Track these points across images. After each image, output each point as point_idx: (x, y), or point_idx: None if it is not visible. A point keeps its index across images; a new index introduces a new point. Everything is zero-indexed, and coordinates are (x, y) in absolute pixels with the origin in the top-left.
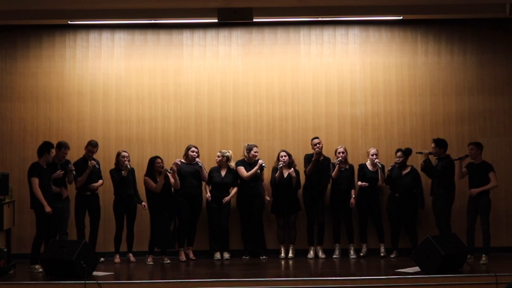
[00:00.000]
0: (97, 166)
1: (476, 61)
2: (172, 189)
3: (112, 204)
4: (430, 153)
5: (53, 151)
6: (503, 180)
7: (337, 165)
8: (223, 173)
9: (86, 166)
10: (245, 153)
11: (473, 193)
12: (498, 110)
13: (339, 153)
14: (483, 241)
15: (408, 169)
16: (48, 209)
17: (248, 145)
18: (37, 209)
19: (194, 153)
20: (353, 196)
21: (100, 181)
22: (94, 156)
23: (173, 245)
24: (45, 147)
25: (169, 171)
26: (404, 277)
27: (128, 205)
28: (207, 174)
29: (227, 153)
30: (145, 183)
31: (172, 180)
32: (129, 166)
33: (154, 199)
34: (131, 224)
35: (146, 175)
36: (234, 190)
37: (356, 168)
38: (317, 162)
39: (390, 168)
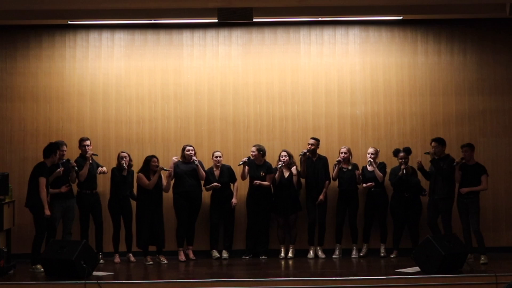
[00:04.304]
0: (95, 154)
1: (476, 61)
2: (164, 190)
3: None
4: (435, 153)
5: (59, 153)
6: (503, 180)
7: (337, 166)
8: (217, 173)
9: (85, 162)
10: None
11: (463, 191)
12: (498, 110)
13: (341, 153)
14: (478, 242)
15: (410, 169)
16: (47, 212)
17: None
18: (36, 209)
19: (190, 152)
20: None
21: (104, 168)
22: (97, 153)
23: (145, 246)
24: (52, 148)
25: (165, 169)
26: (404, 277)
27: (123, 206)
28: (204, 173)
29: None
30: (138, 179)
31: (164, 182)
32: (125, 165)
33: (144, 197)
34: (129, 225)
35: (140, 171)
36: (235, 187)
37: (359, 167)
38: (307, 162)
39: (401, 172)
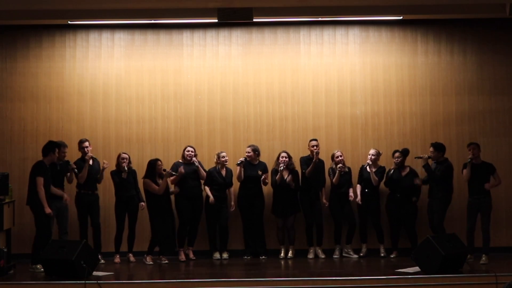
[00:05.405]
0: (93, 159)
1: (476, 61)
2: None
3: (113, 205)
4: (429, 157)
5: (58, 151)
6: (503, 180)
7: (338, 171)
8: (223, 173)
9: (85, 164)
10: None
11: (488, 187)
12: (498, 110)
13: (337, 157)
14: (483, 241)
15: (407, 170)
16: (48, 210)
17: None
18: (37, 208)
19: (190, 153)
20: (358, 195)
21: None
22: (97, 153)
23: (173, 248)
24: (51, 146)
25: (173, 173)
26: (404, 277)
27: (129, 206)
28: (204, 173)
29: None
30: (146, 185)
31: (170, 185)
32: (126, 168)
33: (155, 201)
34: (133, 225)
35: (146, 177)
36: (232, 191)
37: (355, 169)
38: (309, 163)
39: (391, 171)
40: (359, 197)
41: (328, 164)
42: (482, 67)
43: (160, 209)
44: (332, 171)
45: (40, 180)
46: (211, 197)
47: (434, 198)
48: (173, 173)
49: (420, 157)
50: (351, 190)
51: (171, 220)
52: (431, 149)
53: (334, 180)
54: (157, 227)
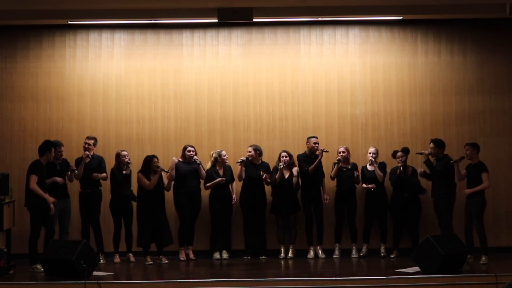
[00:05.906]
0: (89, 157)
1: (476, 61)
2: (165, 189)
3: (108, 203)
4: (429, 154)
5: (56, 153)
6: (503, 180)
7: (336, 165)
8: (221, 172)
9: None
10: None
11: (466, 193)
12: (498, 110)
13: (339, 152)
14: (480, 243)
15: (411, 169)
16: (50, 199)
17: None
18: (33, 207)
19: (191, 152)
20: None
21: (104, 174)
22: (97, 153)
23: (147, 246)
24: (47, 146)
25: (165, 170)
26: (404, 277)
27: (125, 205)
28: (204, 172)
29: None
30: (138, 179)
31: (165, 181)
32: (129, 162)
33: (144, 197)
34: (129, 224)
35: (140, 172)
36: (234, 186)
37: (359, 167)
38: (308, 161)
39: (397, 170)
40: (370, 185)
41: (330, 160)
42: (482, 67)
43: (148, 206)
44: (333, 165)
45: (34, 178)
46: (218, 179)
47: (438, 196)
48: (165, 170)
49: (421, 153)
50: (356, 173)
51: (159, 218)
52: (432, 145)
53: (332, 173)
54: (140, 224)
